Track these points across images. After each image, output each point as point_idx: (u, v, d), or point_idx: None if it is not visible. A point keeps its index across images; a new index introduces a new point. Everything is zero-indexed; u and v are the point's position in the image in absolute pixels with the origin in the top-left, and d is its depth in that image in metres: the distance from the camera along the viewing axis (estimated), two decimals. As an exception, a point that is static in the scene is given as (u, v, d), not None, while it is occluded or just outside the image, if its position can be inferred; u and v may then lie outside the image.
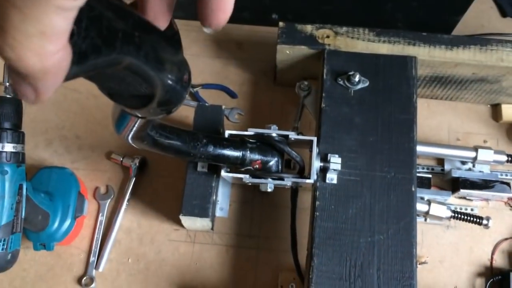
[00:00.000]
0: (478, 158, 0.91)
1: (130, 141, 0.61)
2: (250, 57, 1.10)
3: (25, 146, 0.75)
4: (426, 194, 0.92)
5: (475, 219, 0.89)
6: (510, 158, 0.93)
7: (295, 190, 0.87)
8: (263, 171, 0.78)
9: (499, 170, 0.96)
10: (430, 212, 0.85)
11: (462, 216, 0.89)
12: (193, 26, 1.10)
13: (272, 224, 0.96)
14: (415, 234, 0.78)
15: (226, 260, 0.93)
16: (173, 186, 0.97)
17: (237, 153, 0.74)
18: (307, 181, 0.78)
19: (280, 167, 0.80)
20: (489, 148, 0.92)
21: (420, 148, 0.93)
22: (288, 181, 0.77)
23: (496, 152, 0.92)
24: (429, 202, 0.86)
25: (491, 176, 0.94)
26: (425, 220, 0.92)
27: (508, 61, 0.89)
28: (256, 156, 0.76)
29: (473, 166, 0.95)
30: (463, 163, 0.96)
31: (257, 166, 0.76)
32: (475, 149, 0.92)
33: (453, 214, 0.88)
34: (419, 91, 1.01)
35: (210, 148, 0.70)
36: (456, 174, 0.94)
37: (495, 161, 0.92)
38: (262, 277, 0.92)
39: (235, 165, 0.76)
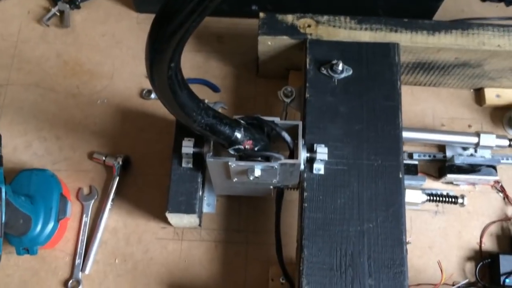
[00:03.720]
0: (481, 143, 0.91)
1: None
2: (231, 50, 1.09)
3: (1, 149, 0.73)
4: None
5: (450, 199, 0.90)
6: None
7: (280, 193, 0.86)
8: (254, 151, 0.76)
9: (501, 154, 0.96)
10: (406, 199, 0.85)
11: (438, 198, 0.90)
12: (172, 20, 1.08)
13: (260, 217, 0.94)
14: (404, 220, 0.78)
15: (215, 256, 0.92)
16: (158, 183, 0.96)
17: (231, 129, 0.72)
18: (296, 161, 0.76)
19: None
20: (491, 133, 0.92)
21: (421, 135, 0.93)
22: (275, 163, 0.75)
23: (498, 136, 0.92)
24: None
25: (494, 161, 0.94)
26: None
27: (489, 44, 0.89)
28: (248, 136, 0.74)
29: (475, 151, 0.95)
30: (465, 149, 0.96)
31: (248, 146, 0.74)
32: (477, 134, 0.92)
33: (428, 198, 0.89)
34: (403, 78, 1.00)
35: (210, 114, 0.68)
36: (458, 160, 0.94)
37: (497, 146, 0.92)
38: (252, 272, 0.91)
39: (228, 141, 0.74)
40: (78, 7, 1.12)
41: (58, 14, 1.11)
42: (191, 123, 0.67)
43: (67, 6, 1.10)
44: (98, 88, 1.05)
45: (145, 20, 1.12)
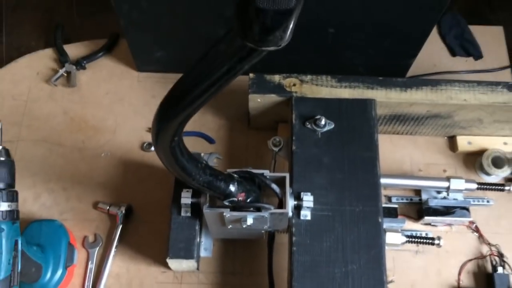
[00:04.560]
0: (451, 187, 1.00)
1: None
2: (225, 104, 1.18)
3: (18, 204, 0.81)
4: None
5: (428, 240, 0.98)
6: (480, 186, 1.01)
7: (271, 236, 0.93)
8: (246, 203, 0.84)
9: (472, 197, 1.04)
10: (386, 241, 0.93)
11: (416, 240, 0.98)
12: (170, 79, 1.18)
13: (254, 260, 1.01)
14: (385, 262, 0.85)
15: (213, 298, 0.98)
16: (158, 230, 1.03)
17: (226, 184, 0.80)
18: (284, 210, 0.83)
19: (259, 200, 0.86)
20: (460, 177, 1.00)
21: (398, 181, 1.02)
22: (266, 213, 0.83)
23: (467, 181, 1.00)
24: (384, 231, 0.93)
25: (465, 203, 1.02)
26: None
27: (456, 98, 0.99)
28: (241, 189, 0.82)
29: (448, 194, 1.03)
30: (438, 192, 1.05)
31: (241, 198, 0.82)
32: (448, 179, 1.00)
33: (408, 239, 0.96)
34: (382, 128, 1.10)
35: (207, 173, 0.76)
36: (432, 202, 1.02)
37: (466, 189, 1.01)
38: (248, 313, 0.97)
39: (223, 195, 0.82)
40: (83, 68, 1.22)
41: (65, 74, 1.21)
42: (190, 181, 0.75)
43: (74, 67, 1.20)
44: (102, 142, 1.14)
45: (146, 79, 1.22)
